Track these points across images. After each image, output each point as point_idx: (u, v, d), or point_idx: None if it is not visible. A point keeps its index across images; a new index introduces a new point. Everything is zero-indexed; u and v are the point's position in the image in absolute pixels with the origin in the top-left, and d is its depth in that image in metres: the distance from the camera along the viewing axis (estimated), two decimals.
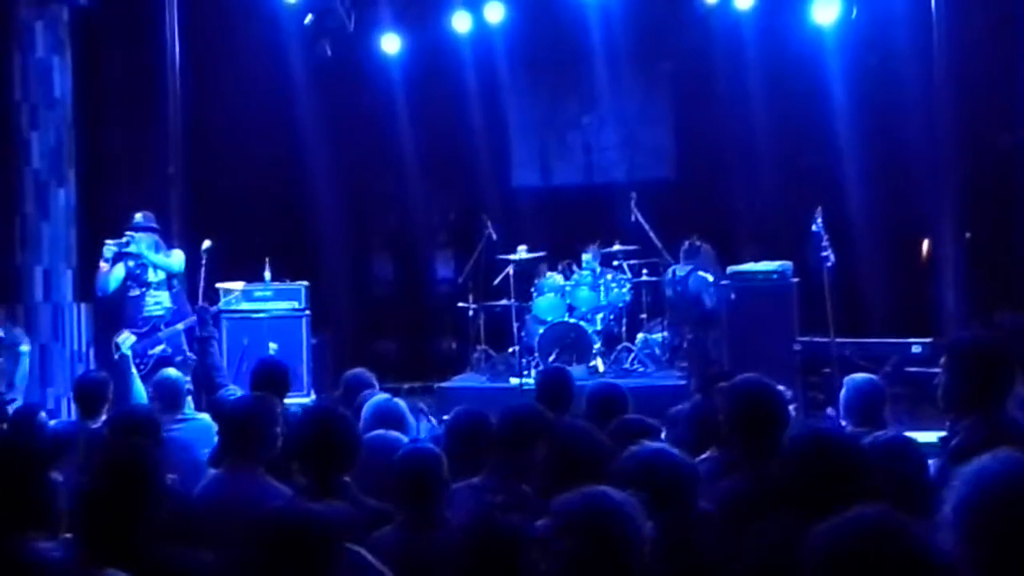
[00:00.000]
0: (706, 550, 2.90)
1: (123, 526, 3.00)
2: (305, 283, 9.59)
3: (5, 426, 5.38)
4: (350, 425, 3.84)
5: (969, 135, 9.52)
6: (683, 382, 8.97)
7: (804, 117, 10.53)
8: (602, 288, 9.95)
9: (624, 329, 10.00)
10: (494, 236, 10.19)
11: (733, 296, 8.58)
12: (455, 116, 11.51)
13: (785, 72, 10.45)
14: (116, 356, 7.69)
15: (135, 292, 7.82)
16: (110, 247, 7.67)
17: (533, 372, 9.00)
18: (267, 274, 9.55)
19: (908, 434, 3.56)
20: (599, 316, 9.99)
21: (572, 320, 9.73)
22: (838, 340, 8.13)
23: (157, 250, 7.90)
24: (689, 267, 9.28)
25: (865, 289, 9.88)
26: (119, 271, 7.75)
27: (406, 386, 10.18)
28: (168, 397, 5.64)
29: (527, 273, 10.15)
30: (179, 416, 5.49)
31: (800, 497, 2.79)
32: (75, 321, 8.85)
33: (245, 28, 10.45)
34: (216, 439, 4.61)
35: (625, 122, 11.75)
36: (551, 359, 9.25)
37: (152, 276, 7.85)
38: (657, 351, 9.89)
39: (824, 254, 7.91)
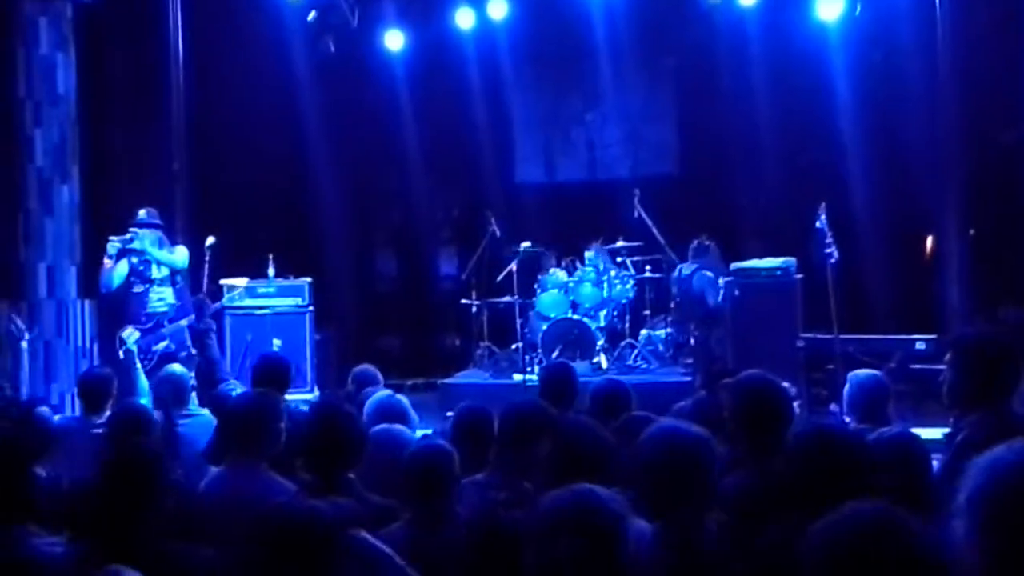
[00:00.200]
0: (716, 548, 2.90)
1: (128, 522, 3.01)
2: (309, 279, 9.61)
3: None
4: (357, 422, 3.84)
5: (973, 131, 9.51)
6: (687, 378, 8.96)
7: (808, 113, 10.51)
8: (605, 284, 9.94)
9: (627, 325, 10.00)
10: (498, 232, 10.19)
11: (737, 292, 8.55)
12: (459, 112, 11.50)
13: (789, 68, 10.42)
14: (120, 352, 7.68)
15: (139, 288, 7.81)
16: (114, 243, 7.67)
17: (536, 368, 9.00)
18: (271, 270, 9.57)
19: (912, 431, 3.57)
20: (602, 312, 9.99)
21: (576, 316, 9.73)
22: (842, 337, 8.12)
23: (161, 246, 7.90)
24: (695, 266, 9.26)
25: (869, 285, 9.88)
26: (123, 267, 7.75)
27: (409, 382, 10.32)
28: (173, 393, 5.62)
29: (531, 269, 10.14)
30: (184, 412, 5.49)
31: (805, 494, 2.78)
32: (79, 317, 8.84)
33: (249, 24, 10.42)
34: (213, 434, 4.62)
35: (629, 118, 11.74)
36: (554, 355, 9.23)
37: (156, 272, 7.85)
38: (660, 347, 9.89)
39: (828, 250, 7.94)
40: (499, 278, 10.11)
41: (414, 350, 12.02)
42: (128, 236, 7.72)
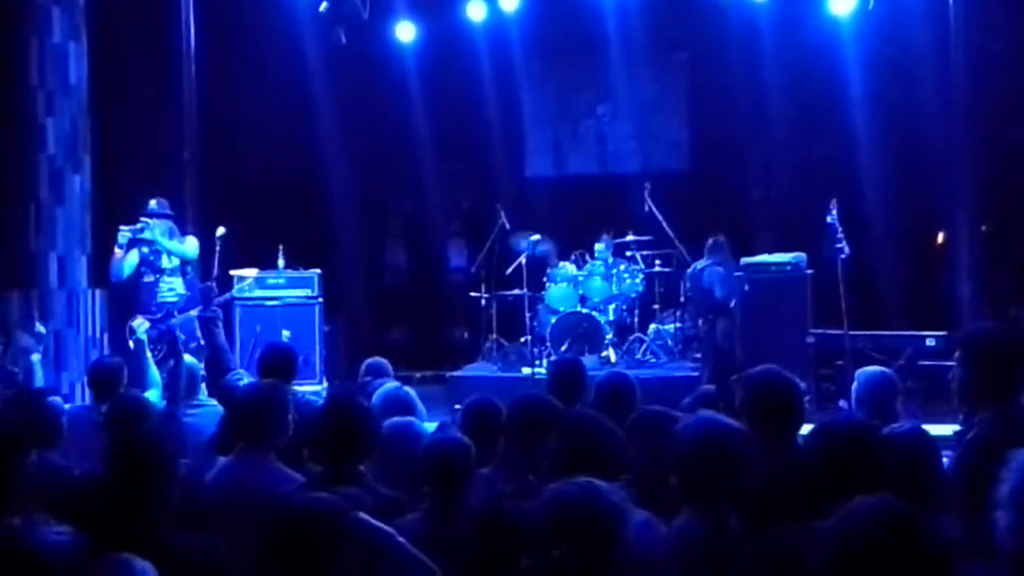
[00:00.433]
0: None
1: (134, 511, 3.02)
2: (318, 271, 9.61)
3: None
4: (371, 415, 3.84)
5: (986, 127, 9.50)
6: (696, 373, 9.02)
7: (820, 109, 10.50)
8: (615, 278, 9.96)
9: (636, 320, 10.03)
10: (507, 225, 10.19)
11: (746, 288, 8.54)
12: (469, 105, 11.48)
13: (801, 63, 10.40)
14: (131, 341, 7.59)
15: (149, 278, 7.81)
16: (124, 233, 7.66)
17: (545, 362, 9.02)
18: (280, 261, 9.57)
19: (922, 427, 3.56)
20: (611, 306, 10.01)
21: (584, 310, 9.74)
22: (852, 332, 8.23)
23: (171, 237, 7.90)
24: (708, 261, 9.29)
25: (879, 281, 9.87)
26: (133, 257, 7.74)
27: (418, 375, 10.31)
28: (185, 383, 5.65)
29: (540, 263, 10.15)
30: (194, 402, 5.51)
31: (821, 488, 2.78)
32: (90, 307, 8.83)
33: (260, 15, 10.41)
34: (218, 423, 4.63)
35: (640, 112, 11.71)
36: (563, 349, 9.27)
37: (166, 263, 7.85)
38: (669, 342, 9.92)
39: (839, 246, 8.00)
40: (509, 271, 10.12)
41: (423, 342, 12.02)
42: (139, 226, 7.72)
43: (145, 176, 9.49)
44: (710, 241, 9.44)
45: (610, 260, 10.02)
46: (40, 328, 7.46)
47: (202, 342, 7.50)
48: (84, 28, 8.94)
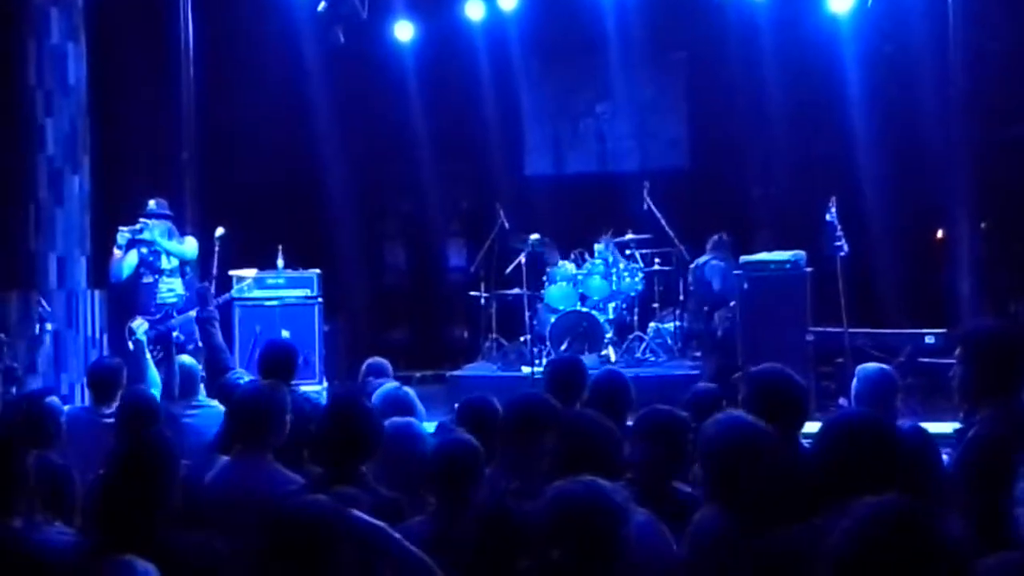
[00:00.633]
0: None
1: (139, 513, 3.03)
2: (318, 271, 9.57)
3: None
4: (373, 416, 3.84)
5: (985, 124, 9.49)
6: (695, 371, 9.01)
7: (819, 106, 10.50)
8: (614, 277, 9.94)
9: (636, 318, 10.01)
10: (507, 225, 10.19)
11: (746, 286, 8.53)
12: (468, 104, 11.48)
13: (800, 61, 10.39)
14: (130, 342, 7.67)
15: (148, 279, 7.83)
16: (124, 234, 7.66)
17: (545, 361, 8.96)
18: (280, 261, 9.53)
19: (920, 425, 3.61)
20: (611, 305, 9.99)
21: (584, 309, 9.73)
22: (851, 330, 8.11)
23: (170, 237, 7.91)
24: (708, 257, 9.32)
25: (879, 279, 9.87)
26: (132, 258, 7.75)
27: (418, 374, 10.30)
28: (183, 384, 5.73)
29: (539, 262, 10.14)
30: (193, 403, 5.54)
31: (831, 484, 2.77)
32: (89, 308, 8.81)
33: (258, 15, 10.40)
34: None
35: (639, 111, 11.72)
36: (563, 348, 9.26)
37: (165, 263, 7.86)
38: (669, 340, 9.91)
39: (838, 244, 7.96)
40: (508, 270, 10.11)
41: (422, 342, 12.03)
42: (138, 226, 7.72)
43: (144, 176, 9.51)
44: (715, 238, 9.49)
45: (610, 259, 10.00)
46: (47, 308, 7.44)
47: (200, 343, 7.49)
48: (83, 29, 8.91)
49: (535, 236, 9.96)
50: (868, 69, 10.11)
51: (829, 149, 10.73)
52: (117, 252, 7.68)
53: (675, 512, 3.25)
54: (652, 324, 10.05)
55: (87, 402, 6.20)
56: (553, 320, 9.61)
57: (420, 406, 4.89)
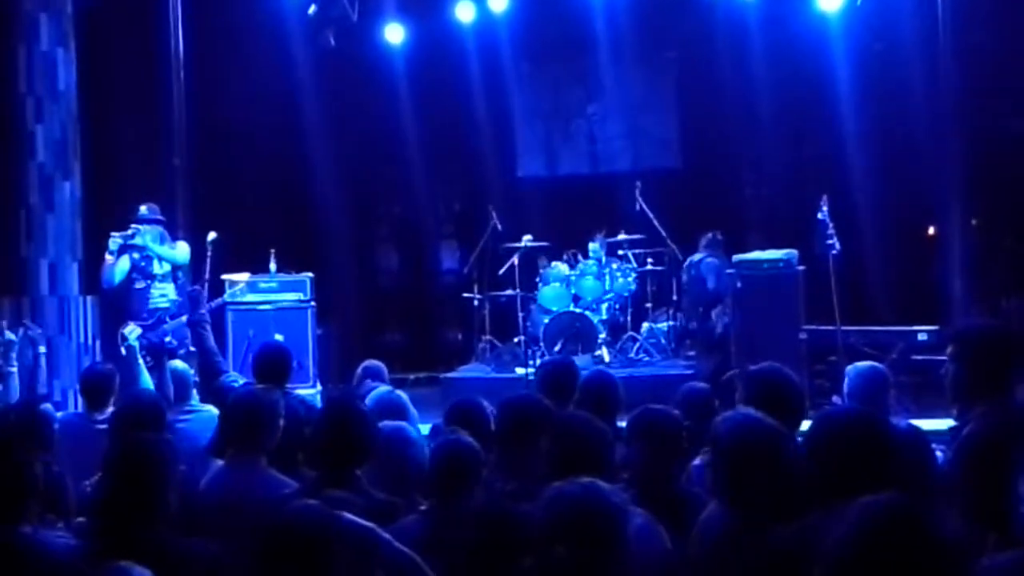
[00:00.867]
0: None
1: (136, 519, 3.04)
2: (310, 274, 9.56)
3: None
4: (369, 420, 3.83)
5: (976, 121, 9.48)
6: (689, 371, 9.00)
7: (809, 105, 10.52)
8: (607, 277, 9.96)
9: (629, 318, 10.02)
10: (499, 226, 10.20)
11: (739, 284, 8.54)
12: (459, 106, 11.50)
13: (790, 60, 10.42)
14: (122, 348, 7.60)
15: (140, 284, 7.79)
16: (115, 239, 7.64)
17: (538, 362, 8.81)
18: (272, 265, 9.52)
19: (912, 422, 3.63)
20: (604, 305, 10.00)
21: (577, 310, 9.74)
22: (844, 328, 8.10)
23: (162, 242, 7.88)
24: (703, 254, 9.35)
25: (871, 277, 9.92)
26: (124, 263, 7.73)
27: (411, 377, 10.35)
28: (176, 389, 5.65)
29: (532, 263, 10.15)
30: (186, 408, 5.48)
31: (823, 481, 2.79)
32: (81, 314, 8.80)
33: (249, 19, 10.37)
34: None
35: (630, 111, 11.73)
36: (556, 349, 9.27)
37: (157, 268, 7.83)
38: (663, 340, 9.92)
39: (830, 242, 7.96)
40: (501, 271, 10.10)
41: (416, 344, 12.04)
42: (129, 232, 7.70)
43: (135, 182, 9.45)
44: (708, 236, 9.48)
45: (603, 259, 10.01)
46: (10, 335, 7.41)
47: (192, 348, 7.49)
48: (72, 35, 8.90)
49: (528, 237, 9.98)
50: (858, 67, 10.12)
51: (820, 148, 10.75)
52: (109, 258, 7.67)
53: (672, 512, 3.26)
54: (645, 324, 10.06)
55: (80, 408, 6.14)
56: (546, 321, 9.62)
57: (413, 410, 4.88)
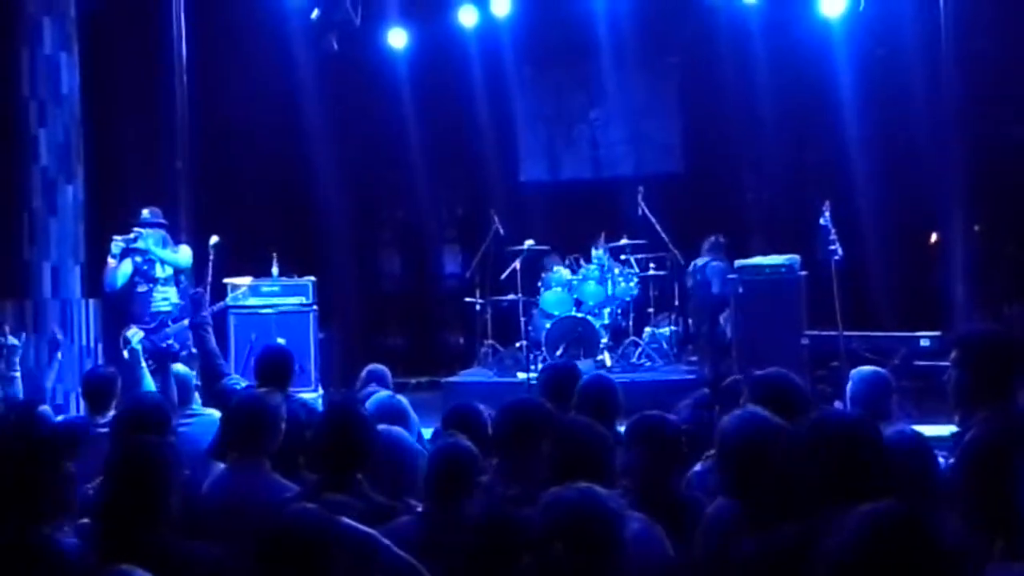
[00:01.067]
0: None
1: (138, 522, 3.04)
2: (312, 278, 9.56)
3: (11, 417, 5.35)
4: (370, 424, 3.83)
5: (978, 126, 9.46)
6: (691, 376, 9.03)
7: (812, 110, 10.50)
8: (609, 282, 9.94)
9: (631, 323, 10.02)
10: (501, 231, 10.20)
11: (741, 290, 8.53)
12: (462, 111, 11.49)
13: (793, 65, 10.41)
14: (125, 351, 7.52)
15: (143, 288, 7.81)
16: (118, 243, 7.65)
17: (540, 367, 8.86)
18: (275, 269, 9.52)
19: (914, 428, 3.58)
20: (606, 310, 10.00)
21: (579, 314, 9.73)
22: (846, 334, 8.10)
23: (165, 246, 7.89)
24: (707, 258, 9.35)
25: (873, 282, 9.89)
26: (127, 267, 7.74)
27: (413, 381, 10.35)
28: (179, 393, 5.62)
29: (534, 267, 10.13)
30: (188, 411, 5.48)
31: (817, 484, 2.79)
32: (83, 317, 8.78)
33: (252, 22, 10.37)
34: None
35: (632, 116, 11.72)
36: (558, 353, 9.26)
37: (160, 272, 7.84)
38: (664, 345, 9.92)
39: (832, 247, 7.96)
40: (503, 276, 10.09)
41: (418, 349, 12.02)
42: (132, 235, 7.71)
43: (138, 185, 9.48)
44: (711, 239, 9.45)
45: (605, 264, 10.00)
46: (13, 340, 7.41)
47: (194, 350, 7.48)
48: (75, 39, 8.88)
49: (530, 242, 9.97)
50: (861, 72, 10.10)
51: (823, 153, 10.75)
52: (111, 261, 7.67)
53: (672, 517, 3.26)
54: (648, 329, 10.07)
55: (82, 411, 6.16)
56: (548, 326, 9.61)
57: (413, 415, 4.88)
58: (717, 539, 2.98)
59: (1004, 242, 9.91)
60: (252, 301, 9.20)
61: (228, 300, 8.66)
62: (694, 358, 9.62)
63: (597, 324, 9.66)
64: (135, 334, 7.50)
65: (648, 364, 9.68)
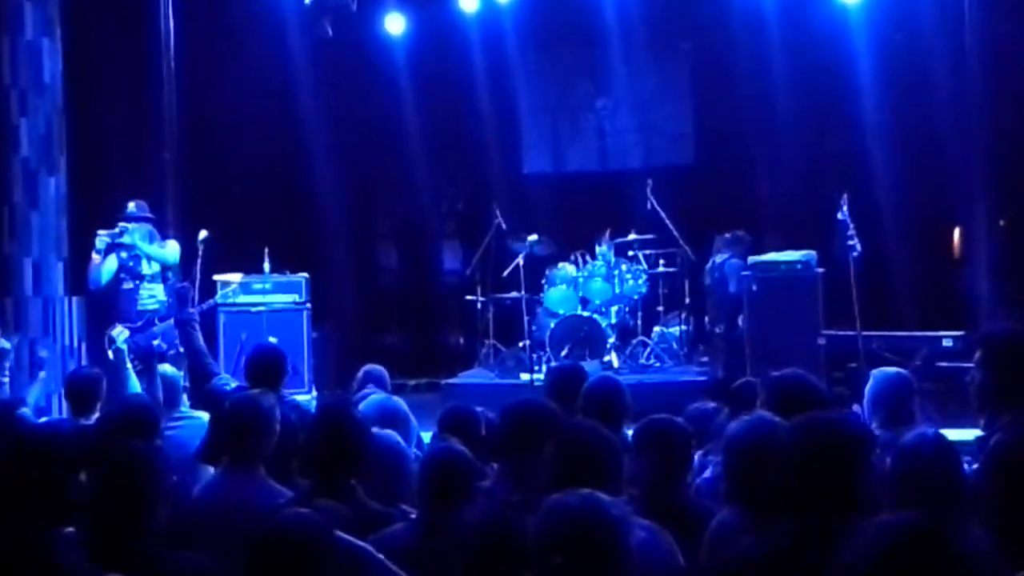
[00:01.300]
0: None
1: (124, 529, 3.02)
2: (306, 275, 9.56)
3: None
4: (364, 428, 3.81)
5: (1003, 115, 9.37)
6: (702, 377, 9.09)
7: (829, 99, 10.45)
8: (616, 279, 9.90)
9: (640, 322, 10.00)
10: (504, 225, 10.16)
11: (755, 287, 8.49)
12: (463, 100, 11.43)
13: (809, 52, 10.34)
14: (110, 351, 7.66)
15: (128, 285, 7.79)
16: (102, 238, 7.64)
17: (544, 368, 8.98)
18: (266, 265, 9.51)
19: (939, 431, 3.48)
20: (613, 309, 9.96)
21: (585, 313, 9.68)
22: (865, 333, 8.07)
23: (151, 241, 7.86)
24: (727, 255, 9.31)
25: (893, 280, 9.83)
26: (112, 263, 7.72)
27: (412, 382, 10.31)
28: (165, 394, 5.65)
29: (538, 264, 10.11)
30: (176, 414, 5.42)
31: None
32: (66, 315, 8.76)
33: (243, 7, 10.32)
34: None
35: (641, 105, 11.64)
36: (563, 354, 9.22)
37: (146, 268, 7.82)
38: (674, 345, 9.91)
39: (850, 243, 7.98)
40: (505, 273, 10.05)
41: (416, 349, 11.99)
42: (117, 230, 7.69)
43: (123, 178, 9.41)
44: (730, 235, 9.40)
45: (611, 260, 9.95)
46: (4, 343, 7.33)
47: (182, 349, 7.37)
48: (58, 24, 8.86)
49: (533, 237, 9.89)
50: (880, 59, 10.02)
51: (840, 144, 10.68)
52: (96, 257, 7.66)
53: (682, 523, 3.25)
54: (657, 328, 10.05)
55: (65, 414, 6.13)
56: (553, 325, 9.55)
57: (412, 418, 4.84)
58: (723, 546, 3.00)
59: None
60: (243, 299, 9.12)
61: (218, 298, 8.56)
62: (705, 359, 9.61)
63: (604, 323, 9.60)
64: (120, 333, 7.74)
65: (657, 365, 9.65)
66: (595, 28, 10.81)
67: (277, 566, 2.58)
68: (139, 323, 7.68)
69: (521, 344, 9.80)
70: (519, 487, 3.51)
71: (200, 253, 8.02)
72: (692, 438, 3.66)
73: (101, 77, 9.66)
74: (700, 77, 11.55)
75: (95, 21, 9.48)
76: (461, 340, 11.60)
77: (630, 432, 3.79)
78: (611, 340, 9.56)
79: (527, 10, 10.79)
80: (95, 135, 9.53)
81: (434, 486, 3.34)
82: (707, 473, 3.95)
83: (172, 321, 7.57)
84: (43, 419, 6.04)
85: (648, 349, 9.71)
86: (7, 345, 7.59)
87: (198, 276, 8.01)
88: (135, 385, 7.28)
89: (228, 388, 5.20)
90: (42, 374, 8.10)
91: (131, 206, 7.82)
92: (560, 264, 10.06)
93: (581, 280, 9.88)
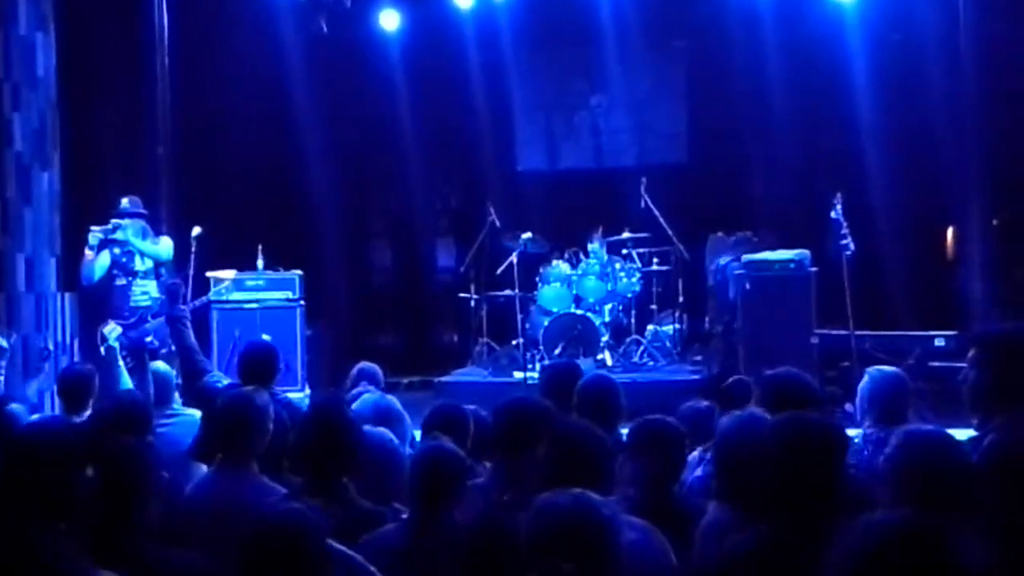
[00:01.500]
0: None
1: (115, 527, 3.03)
2: (299, 272, 9.51)
3: None
4: (356, 426, 3.80)
5: (998, 115, 9.39)
6: (696, 376, 9.05)
7: (824, 98, 10.43)
8: (610, 278, 9.89)
9: (633, 321, 9.99)
10: (497, 223, 10.15)
11: (748, 286, 8.50)
12: (457, 97, 11.41)
13: (804, 51, 10.33)
14: (102, 348, 7.64)
15: (121, 281, 7.77)
16: (95, 234, 7.62)
17: (538, 366, 9.01)
18: (260, 262, 9.46)
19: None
20: (607, 307, 9.94)
21: (579, 311, 9.67)
22: (857, 333, 8.09)
23: (144, 237, 7.83)
24: (732, 257, 9.33)
25: (886, 279, 9.83)
26: (104, 259, 7.70)
27: (405, 381, 10.28)
28: (157, 392, 5.70)
29: (532, 262, 10.08)
30: (168, 411, 5.44)
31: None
32: (59, 311, 8.72)
33: (237, 3, 10.33)
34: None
35: (636, 103, 11.62)
36: (557, 352, 9.23)
37: (139, 264, 7.79)
38: (668, 344, 9.90)
39: (844, 242, 7.99)
40: (499, 271, 10.03)
41: (410, 346, 11.98)
42: (110, 226, 7.67)
43: (117, 173, 9.39)
44: (737, 236, 9.47)
45: (605, 258, 9.93)
46: (2, 342, 7.35)
47: (173, 347, 7.35)
48: (52, 18, 8.80)
49: (527, 235, 9.86)
50: (875, 58, 10.01)
51: (835, 143, 10.67)
52: (88, 253, 7.64)
53: (676, 523, 3.26)
54: (650, 327, 10.03)
55: (57, 410, 6.26)
56: (546, 323, 9.55)
57: (406, 416, 4.87)
58: (711, 544, 3.03)
59: None
60: (236, 296, 9.11)
61: (211, 295, 8.57)
62: (699, 357, 9.61)
63: (597, 321, 9.58)
64: (113, 330, 7.74)
65: (651, 363, 9.62)
66: (590, 26, 10.79)
67: (270, 563, 2.57)
68: (132, 319, 7.67)
69: (515, 342, 9.80)
70: (512, 486, 3.52)
71: (193, 249, 8.05)
72: (686, 438, 3.66)
73: (95, 72, 9.63)
74: (695, 76, 11.54)
75: (89, 16, 9.42)
76: (455, 338, 11.57)
77: (624, 431, 3.79)
78: (605, 338, 9.54)
79: (522, 7, 10.78)
80: (89, 130, 9.51)
81: (425, 485, 3.33)
82: (698, 471, 3.96)
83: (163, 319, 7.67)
84: (35, 416, 5.94)
85: (642, 347, 9.69)
86: (5, 344, 7.54)
87: (191, 273, 8.03)
88: (127, 382, 7.33)
89: (220, 385, 5.19)
90: (46, 367, 8.09)
91: (124, 202, 7.81)
92: (554, 262, 10.04)
93: (575, 278, 9.86)
